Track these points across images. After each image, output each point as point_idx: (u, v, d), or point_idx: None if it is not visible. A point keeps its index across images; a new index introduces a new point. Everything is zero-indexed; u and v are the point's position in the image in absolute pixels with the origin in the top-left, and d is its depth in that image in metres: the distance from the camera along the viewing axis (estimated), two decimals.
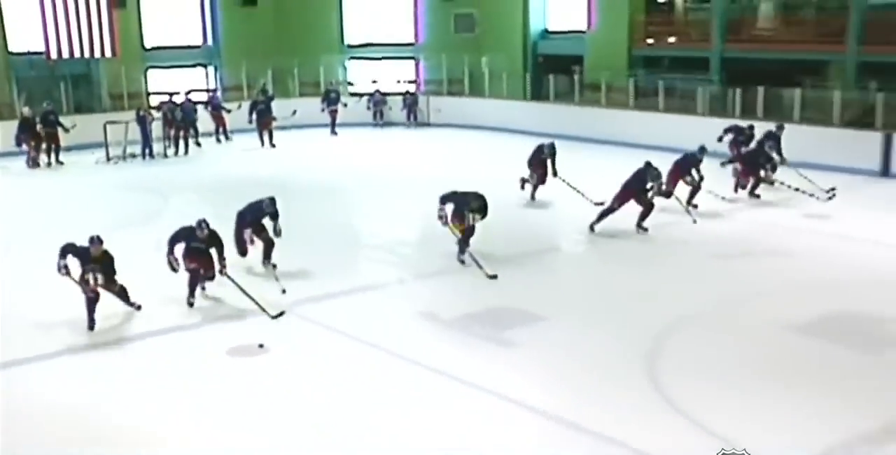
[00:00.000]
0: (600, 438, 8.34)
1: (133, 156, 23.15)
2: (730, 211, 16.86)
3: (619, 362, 10.03)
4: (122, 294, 11.50)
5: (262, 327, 10.95)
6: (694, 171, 16.70)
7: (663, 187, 15.48)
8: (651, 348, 10.37)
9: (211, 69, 29.85)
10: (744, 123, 20.00)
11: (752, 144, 18.93)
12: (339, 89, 28.25)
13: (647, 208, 15.19)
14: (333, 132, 27.01)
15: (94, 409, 9.16)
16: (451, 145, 25.86)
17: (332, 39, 30.84)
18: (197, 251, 11.81)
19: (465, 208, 13.18)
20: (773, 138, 18.39)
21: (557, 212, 17.17)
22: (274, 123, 24.85)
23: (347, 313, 11.65)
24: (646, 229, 15.20)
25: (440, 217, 13.24)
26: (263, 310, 11.19)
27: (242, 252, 13.18)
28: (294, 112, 25.32)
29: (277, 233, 13.32)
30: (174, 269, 11.74)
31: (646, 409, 8.92)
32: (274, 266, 13.05)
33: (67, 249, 11.16)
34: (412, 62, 31.11)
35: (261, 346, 10.49)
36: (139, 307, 11.64)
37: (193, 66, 29.55)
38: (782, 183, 17.29)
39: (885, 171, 19.96)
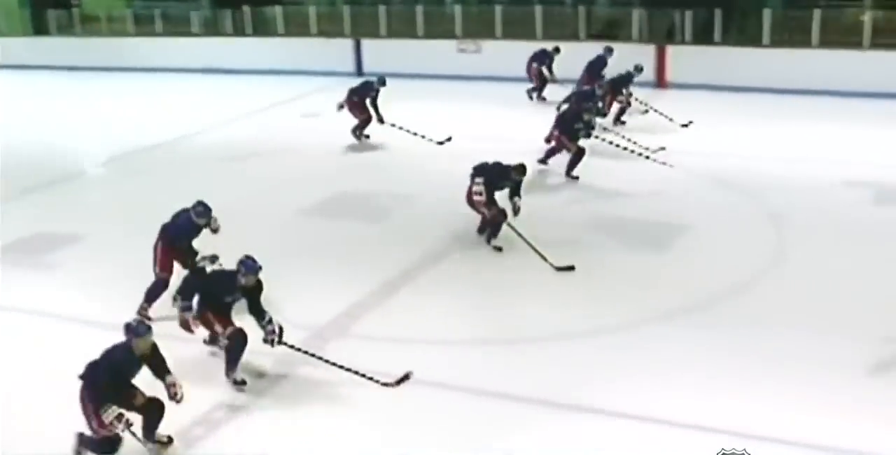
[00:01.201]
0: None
1: None
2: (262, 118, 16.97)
3: None
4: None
5: None
6: (625, 90, 15.03)
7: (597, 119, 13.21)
8: None
9: None
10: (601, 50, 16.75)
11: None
12: None
13: (579, 153, 12.47)
14: None
15: None
16: None
17: None
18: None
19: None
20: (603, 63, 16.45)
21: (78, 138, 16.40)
22: None
23: None
24: (576, 177, 12.47)
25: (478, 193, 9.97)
26: (367, 377, 7.31)
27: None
28: None
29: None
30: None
31: None
32: None
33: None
34: None
35: None
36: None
37: None
38: None
39: (358, 72, 21.02)
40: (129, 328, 6.40)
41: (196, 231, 8.67)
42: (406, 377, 7.26)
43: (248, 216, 11.26)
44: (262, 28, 22.88)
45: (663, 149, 13.31)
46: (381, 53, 20.76)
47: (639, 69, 15.42)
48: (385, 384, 7.18)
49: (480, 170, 10.00)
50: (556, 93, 16.42)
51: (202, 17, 23.87)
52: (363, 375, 7.22)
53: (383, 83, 14.41)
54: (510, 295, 9.02)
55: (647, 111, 15.28)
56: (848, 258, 9.69)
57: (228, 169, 13.69)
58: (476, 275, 9.52)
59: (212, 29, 23.63)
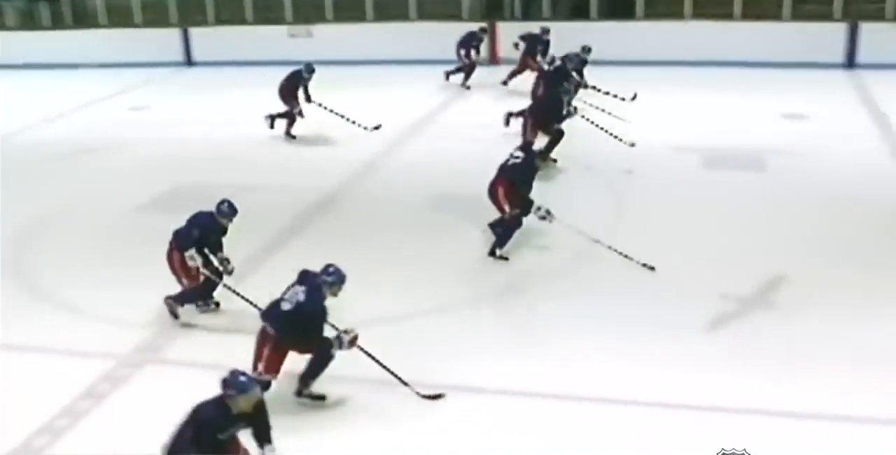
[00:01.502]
0: None
1: None
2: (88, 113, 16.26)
3: None
4: None
5: None
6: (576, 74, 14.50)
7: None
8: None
9: None
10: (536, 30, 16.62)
11: None
12: None
13: (558, 136, 11.97)
14: None
15: None
16: None
17: None
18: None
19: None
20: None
21: None
22: None
23: None
24: (555, 160, 11.87)
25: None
26: (406, 384, 6.83)
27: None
28: None
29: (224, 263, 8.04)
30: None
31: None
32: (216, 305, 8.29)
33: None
34: None
35: None
36: None
37: None
38: None
39: (188, 62, 20.48)
40: (226, 383, 5.22)
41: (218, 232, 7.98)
42: (439, 396, 6.71)
43: (79, 216, 10.92)
44: (83, 20, 21.95)
45: (633, 145, 12.70)
46: (210, 42, 20.28)
47: (587, 50, 15.24)
48: (425, 396, 6.71)
49: (517, 180, 9.30)
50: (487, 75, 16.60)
51: (17, 10, 22.73)
52: (405, 383, 6.74)
53: (312, 70, 13.71)
54: (355, 280, 8.89)
55: (600, 90, 14.94)
56: (682, 221, 10.05)
57: (56, 168, 13.04)
58: (320, 262, 9.35)
59: (28, 22, 22.53)
